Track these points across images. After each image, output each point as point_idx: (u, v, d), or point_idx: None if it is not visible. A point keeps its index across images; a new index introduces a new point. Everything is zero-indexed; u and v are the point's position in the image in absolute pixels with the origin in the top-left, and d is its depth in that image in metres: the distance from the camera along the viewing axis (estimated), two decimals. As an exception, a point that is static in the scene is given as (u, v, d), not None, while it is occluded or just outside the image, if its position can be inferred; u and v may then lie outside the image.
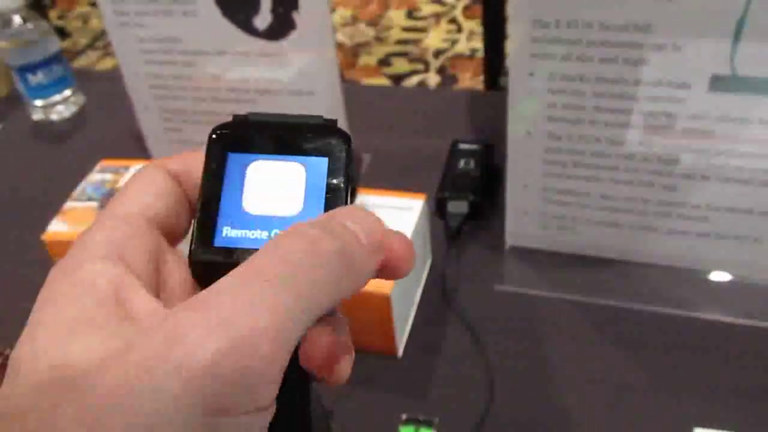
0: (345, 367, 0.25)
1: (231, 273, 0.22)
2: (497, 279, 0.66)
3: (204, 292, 0.21)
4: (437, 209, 0.72)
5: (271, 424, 0.26)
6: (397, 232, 0.26)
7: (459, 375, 0.59)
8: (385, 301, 0.56)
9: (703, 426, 0.53)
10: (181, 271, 0.26)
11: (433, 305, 0.65)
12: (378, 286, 0.55)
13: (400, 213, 0.61)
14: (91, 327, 0.21)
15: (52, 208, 0.68)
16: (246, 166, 0.26)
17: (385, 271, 0.26)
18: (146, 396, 0.19)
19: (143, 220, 0.25)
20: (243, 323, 0.20)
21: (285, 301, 0.21)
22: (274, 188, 0.26)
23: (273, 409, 0.22)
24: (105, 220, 0.25)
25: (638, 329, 0.61)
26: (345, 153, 0.27)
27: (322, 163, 0.27)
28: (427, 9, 2.45)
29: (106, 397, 0.19)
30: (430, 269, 0.68)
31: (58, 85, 0.94)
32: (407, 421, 0.56)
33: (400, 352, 0.61)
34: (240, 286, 0.21)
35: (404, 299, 0.61)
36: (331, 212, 0.25)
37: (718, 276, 0.63)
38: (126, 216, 0.25)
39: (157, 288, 0.25)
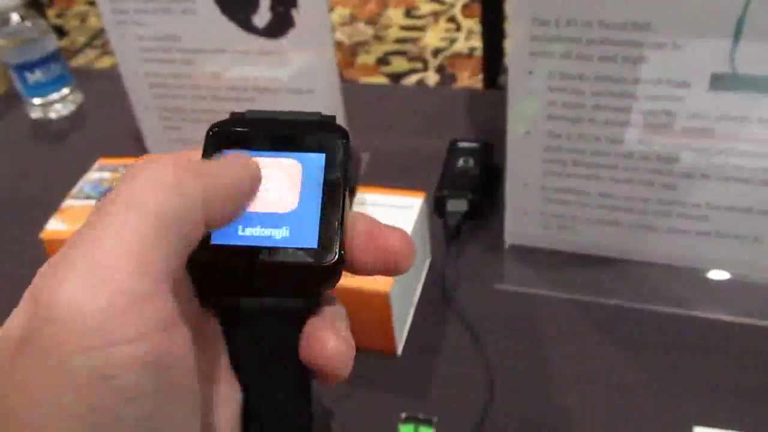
0: (348, 362, 0.25)
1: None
2: (497, 278, 0.66)
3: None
4: (436, 208, 0.72)
5: (272, 423, 0.26)
6: (396, 228, 0.26)
7: (458, 374, 0.59)
8: (384, 299, 0.56)
9: (703, 425, 0.53)
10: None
11: (432, 304, 0.64)
12: (377, 284, 0.55)
13: (400, 211, 0.61)
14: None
15: (50, 206, 0.68)
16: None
17: (385, 267, 0.26)
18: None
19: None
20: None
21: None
22: (271, 185, 0.26)
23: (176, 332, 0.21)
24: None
25: (638, 328, 0.61)
26: (342, 149, 0.27)
27: (320, 159, 0.26)
28: (426, 8, 2.45)
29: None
30: (430, 268, 0.68)
31: (56, 83, 0.94)
32: (407, 420, 0.55)
33: (400, 351, 0.61)
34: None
35: (404, 298, 0.61)
36: None
37: (718, 275, 0.63)
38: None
39: None
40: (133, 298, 0.19)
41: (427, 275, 0.67)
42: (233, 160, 0.25)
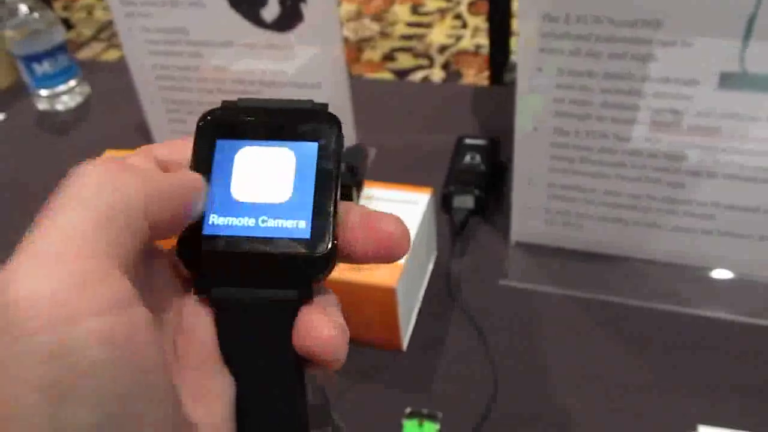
0: (343, 347, 0.25)
1: None
2: (502, 274, 0.66)
3: None
4: (443, 204, 0.72)
5: (266, 414, 0.26)
6: (389, 214, 0.26)
7: (463, 369, 0.59)
8: (390, 294, 0.56)
9: (708, 424, 0.53)
10: (162, 262, 0.26)
11: (437, 299, 0.65)
12: (383, 279, 0.55)
13: (406, 207, 0.61)
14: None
15: (57, 197, 0.68)
16: (234, 152, 0.26)
17: (381, 254, 0.26)
18: None
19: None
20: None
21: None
22: (263, 175, 0.26)
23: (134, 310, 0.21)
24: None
25: (642, 326, 0.61)
26: (335, 138, 0.26)
27: (312, 148, 0.26)
28: (432, 4, 2.44)
29: None
30: (435, 264, 0.68)
31: (63, 75, 0.94)
32: (411, 415, 0.56)
33: (405, 345, 0.61)
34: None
35: (409, 293, 0.61)
36: None
37: (723, 274, 0.63)
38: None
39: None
40: (83, 278, 0.20)
41: (433, 271, 0.67)
42: (178, 171, 0.25)
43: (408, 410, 0.56)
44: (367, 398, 0.57)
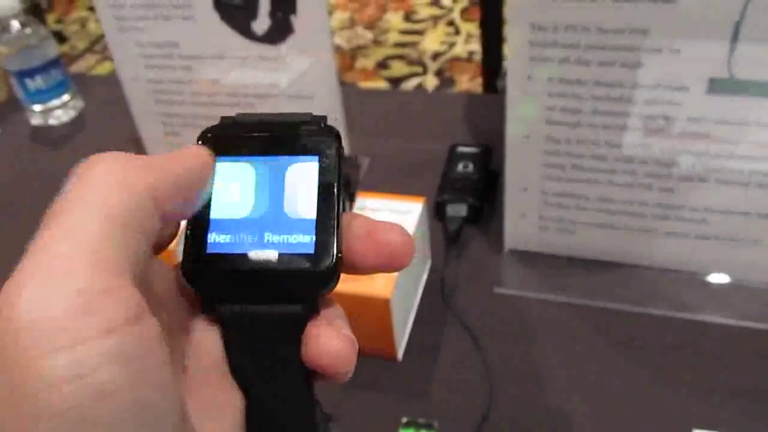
0: (352, 359, 0.25)
1: None
2: (496, 282, 0.66)
3: None
4: (436, 213, 0.72)
5: (275, 426, 0.26)
6: (393, 224, 0.26)
7: (459, 378, 0.59)
8: (385, 305, 0.56)
9: (702, 428, 0.53)
10: (168, 280, 0.26)
11: (432, 308, 0.65)
12: (378, 290, 0.56)
13: (400, 216, 0.61)
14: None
15: (51, 213, 0.68)
16: (235, 169, 0.26)
17: (385, 264, 0.26)
18: None
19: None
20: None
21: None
22: (265, 190, 0.26)
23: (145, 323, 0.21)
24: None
25: (637, 332, 0.61)
26: (335, 151, 0.26)
27: (313, 161, 0.26)
28: (425, 12, 2.45)
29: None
30: (430, 272, 0.68)
31: (56, 89, 0.94)
32: (408, 424, 0.56)
33: (400, 355, 0.61)
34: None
35: (404, 303, 0.61)
36: None
37: (717, 278, 0.63)
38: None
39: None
40: (92, 295, 0.19)
41: (427, 279, 0.67)
42: (183, 150, 0.25)
43: (404, 419, 0.56)
44: (363, 408, 0.57)
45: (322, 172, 0.26)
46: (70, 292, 0.19)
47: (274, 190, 0.26)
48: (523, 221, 0.66)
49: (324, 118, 0.27)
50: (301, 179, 0.26)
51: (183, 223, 0.26)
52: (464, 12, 2.42)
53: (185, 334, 0.25)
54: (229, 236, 0.25)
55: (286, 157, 0.26)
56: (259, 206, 0.25)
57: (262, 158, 0.26)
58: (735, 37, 0.51)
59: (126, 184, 0.22)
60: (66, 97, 0.96)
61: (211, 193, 0.25)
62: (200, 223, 0.25)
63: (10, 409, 0.19)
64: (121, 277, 0.20)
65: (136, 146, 0.82)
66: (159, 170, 0.23)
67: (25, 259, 0.20)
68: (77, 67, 2.35)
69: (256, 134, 0.26)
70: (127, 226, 0.21)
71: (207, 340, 0.25)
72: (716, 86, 0.53)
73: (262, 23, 0.67)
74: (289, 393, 0.25)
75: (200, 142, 0.26)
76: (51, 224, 0.21)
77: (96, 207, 0.21)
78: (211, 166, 0.25)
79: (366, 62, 2.24)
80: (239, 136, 0.26)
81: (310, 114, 0.27)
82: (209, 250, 0.25)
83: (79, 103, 0.98)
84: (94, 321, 0.19)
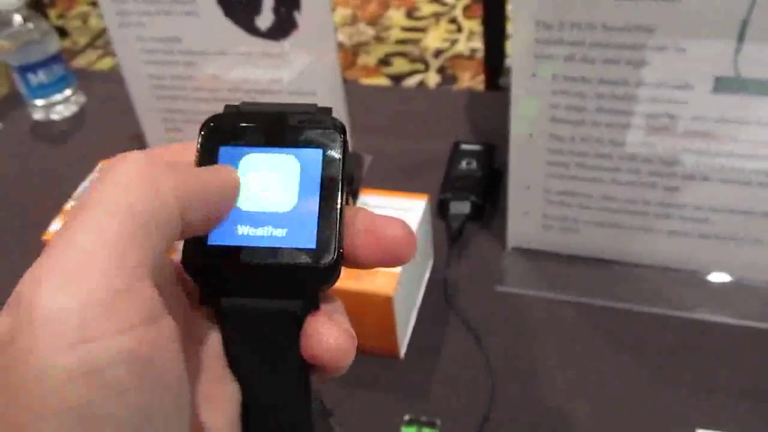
0: (351, 353, 0.25)
1: None
2: (499, 280, 0.66)
3: None
4: (439, 210, 0.72)
5: (272, 419, 0.26)
6: (395, 218, 0.26)
7: (461, 376, 0.59)
8: (387, 303, 0.56)
9: (705, 428, 0.53)
10: (173, 278, 0.26)
11: (434, 306, 0.64)
12: (381, 288, 0.55)
13: (402, 214, 0.61)
14: None
15: (52, 208, 0.68)
16: (238, 159, 0.25)
17: (387, 259, 0.26)
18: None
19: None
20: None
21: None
22: (268, 183, 0.25)
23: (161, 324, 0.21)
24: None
25: (639, 330, 0.61)
26: (340, 144, 0.26)
27: (317, 154, 0.25)
28: (427, 9, 2.44)
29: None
30: (432, 270, 0.68)
31: (58, 84, 0.94)
32: (410, 422, 0.56)
33: (403, 353, 0.61)
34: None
35: (406, 300, 0.61)
36: None
37: (719, 277, 0.63)
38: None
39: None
40: (111, 294, 0.19)
41: (430, 277, 0.67)
42: (215, 166, 0.25)
43: (406, 417, 0.56)
44: (365, 406, 0.57)
45: (326, 165, 0.25)
46: (90, 289, 0.19)
47: (277, 182, 0.25)
48: (526, 219, 0.66)
49: (329, 109, 0.27)
50: (305, 172, 0.25)
51: None
52: (466, 9, 2.41)
53: (184, 324, 0.25)
54: (231, 228, 0.25)
55: (290, 149, 0.26)
56: (262, 199, 0.25)
57: (265, 149, 0.26)
58: (741, 36, 0.51)
59: (150, 185, 0.21)
60: (68, 92, 0.96)
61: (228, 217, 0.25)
62: None
63: (19, 401, 0.19)
64: (142, 277, 0.20)
65: (138, 142, 0.82)
66: (185, 176, 0.23)
67: (46, 253, 0.20)
68: (79, 62, 2.34)
69: (260, 125, 0.26)
70: (149, 226, 0.21)
71: (205, 331, 0.25)
72: (722, 85, 0.53)
73: (265, 19, 0.67)
74: (287, 386, 0.25)
75: (204, 130, 0.26)
76: (74, 220, 0.20)
77: (120, 206, 0.21)
78: (239, 190, 0.25)
79: (368, 59, 2.24)
80: (243, 127, 0.26)
81: (316, 105, 0.27)
82: (211, 242, 0.25)
83: (81, 98, 0.98)
84: (111, 319, 0.19)
